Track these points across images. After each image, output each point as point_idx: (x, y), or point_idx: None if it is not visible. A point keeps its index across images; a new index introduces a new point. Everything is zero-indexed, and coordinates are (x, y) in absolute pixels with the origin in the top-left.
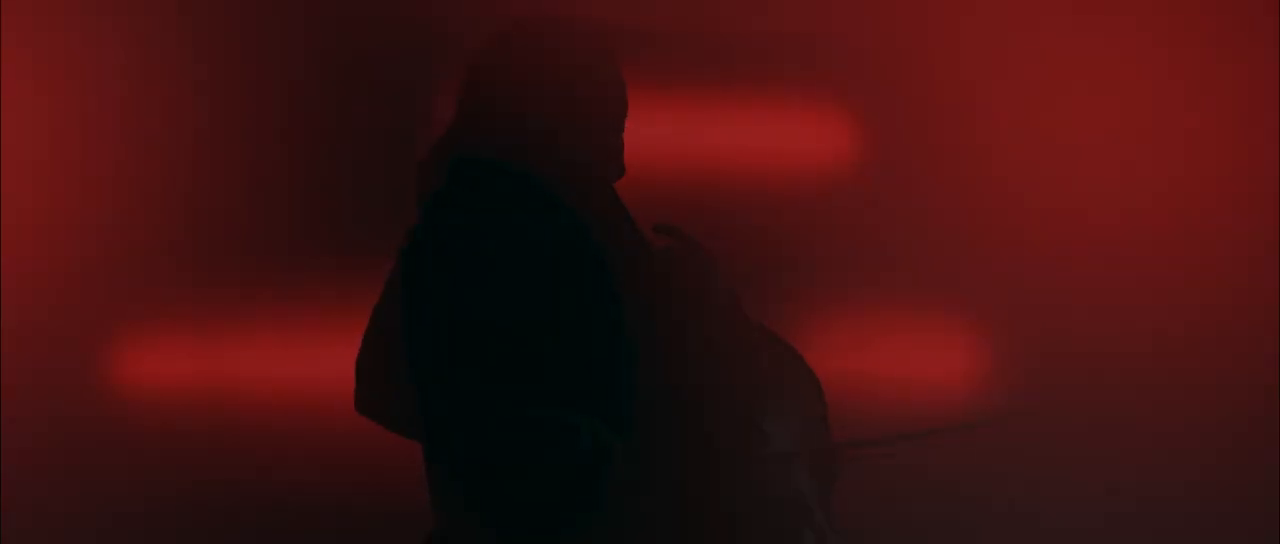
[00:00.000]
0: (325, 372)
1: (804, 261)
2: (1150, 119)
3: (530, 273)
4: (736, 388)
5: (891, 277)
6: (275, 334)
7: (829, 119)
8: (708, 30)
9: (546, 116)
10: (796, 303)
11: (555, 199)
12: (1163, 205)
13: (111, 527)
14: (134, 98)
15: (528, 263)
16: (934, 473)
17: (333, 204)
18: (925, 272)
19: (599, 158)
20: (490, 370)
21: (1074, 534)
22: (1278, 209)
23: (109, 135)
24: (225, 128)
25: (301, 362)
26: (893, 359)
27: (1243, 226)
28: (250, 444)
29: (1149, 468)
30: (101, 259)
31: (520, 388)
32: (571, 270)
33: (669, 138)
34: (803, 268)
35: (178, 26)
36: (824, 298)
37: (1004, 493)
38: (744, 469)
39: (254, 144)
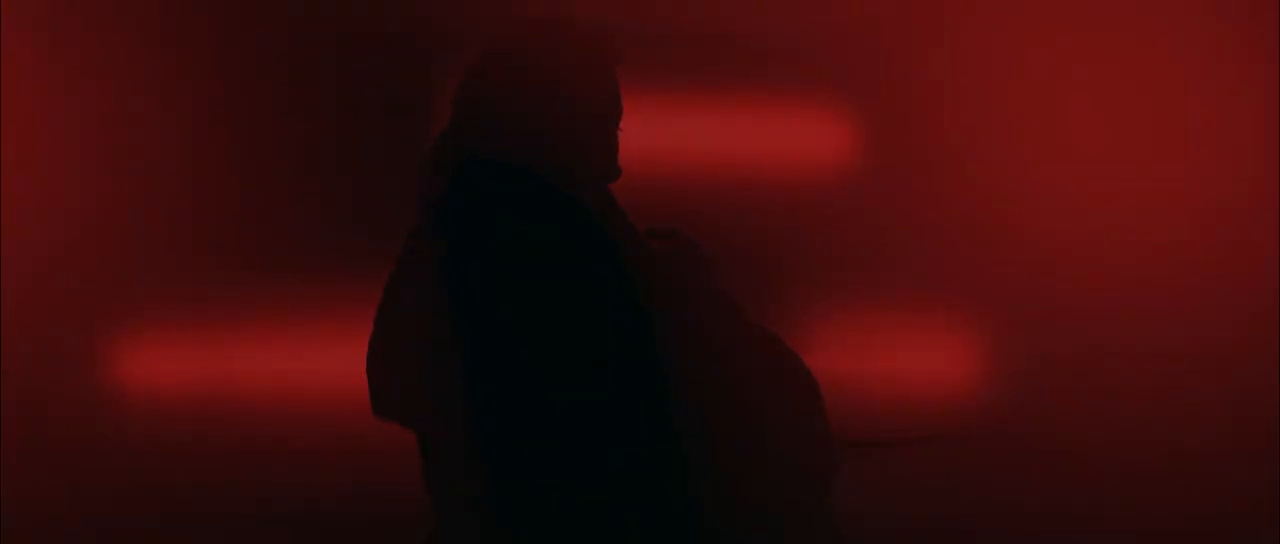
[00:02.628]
0: (325, 371)
1: (804, 261)
2: (1150, 119)
3: (560, 267)
4: (733, 387)
5: (891, 277)
6: (275, 334)
7: (829, 119)
8: (707, 30)
9: (541, 117)
10: (796, 303)
11: (567, 198)
12: (1163, 205)
13: (111, 527)
14: (134, 98)
15: (555, 258)
16: (932, 472)
17: (333, 204)
18: (925, 271)
19: (594, 157)
20: (546, 362)
21: (1074, 536)
22: (1278, 209)
23: (109, 136)
24: (226, 129)
25: (301, 361)
26: (893, 359)
27: (1243, 227)
28: (250, 444)
29: (1149, 468)
30: (102, 259)
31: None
32: (590, 266)
33: (669, 138)
34: (803, 268)
35: (178, 29)
36: (824, 298)
37: (1003, 494)
38: (741, 467)
39: (255, 145)
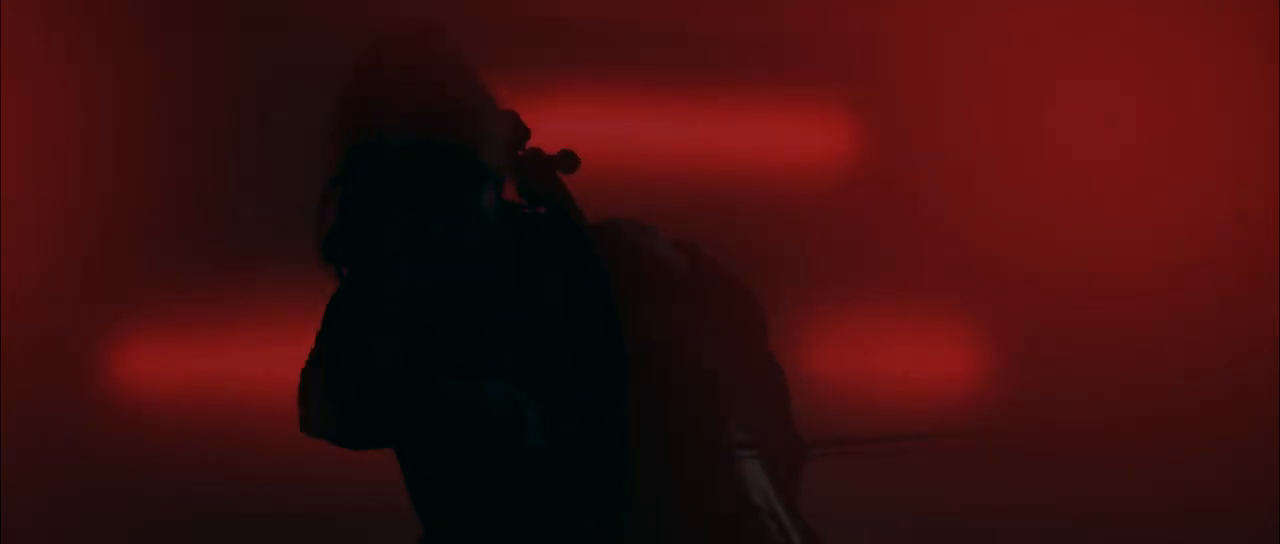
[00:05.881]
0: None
1: (804, 261)
2: (1151, 120)
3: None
4: (696, 376)
5: (891, 277)
6: (274, 334)
7: (829, 119)
8: (707, 30)
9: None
10: (796, 303)
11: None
12: (1163, 205)
13: (111, 527)
14: (133, 99)
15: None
16: (928, 473)
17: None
18: (925, 272)
19: (492, 146)
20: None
21: (1073, 536)
22: (1278, 211)
23: (108, 136)
24: (225, 128)
25: (301, 362)
26: (893, 359)
27: (1243, 227)
28: (249, 444)
29: (1148, 468)
30: (101, 259)
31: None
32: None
33: (668, 138)
34: (803, 268)
35: (177, 29)
36: (824, 298)
37: (1000, 494)
38: (703, 462)
39: (254, 145)
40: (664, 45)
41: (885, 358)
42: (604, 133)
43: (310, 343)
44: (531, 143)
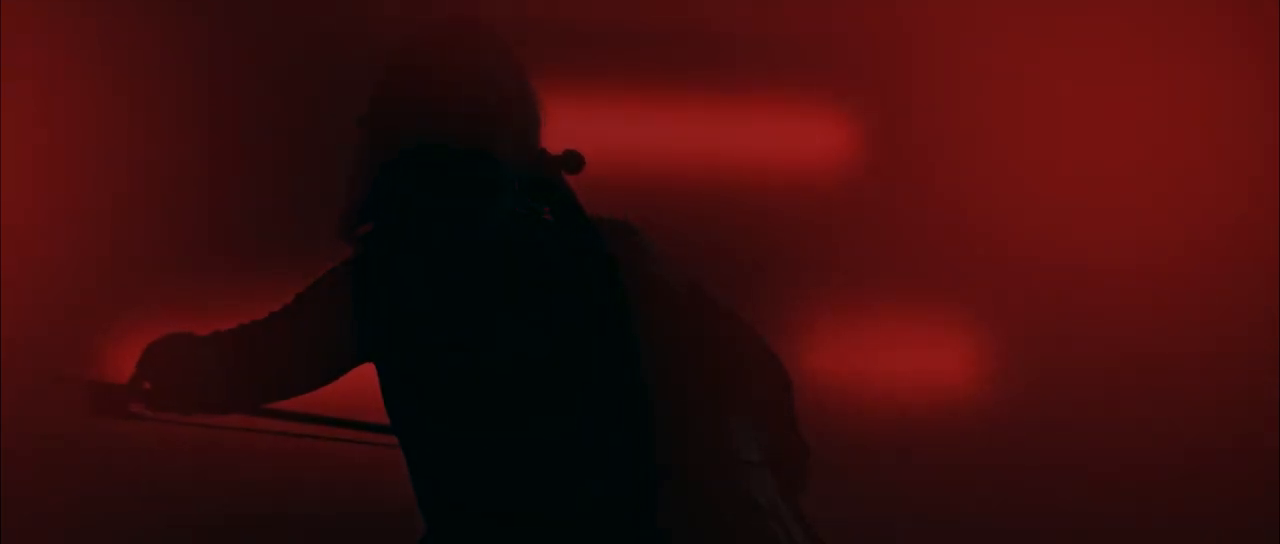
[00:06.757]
0: None
1: (804, 261)
2: (1151, 120)
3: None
4: (699, 385)
5: (891, 277)
6: None
7: (829, 119)
8: (707, 30)
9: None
10: (797, 303)
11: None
12: (1162, 205)
13: (111, 527)
14: (134, 99)
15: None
16: (930, 475)
17: (333, 204)
18: (925, 272)
19: (519, 146)
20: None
21: (1072, 536)
22: (1278, 211)
23: (109, 137)
24: (225, 129)
25: None
26: (893, 359)
27: (1243, 227)
28: (250, 444)
29: (1148, 469)
30: (101, 259)
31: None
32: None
33: (669, 138)
34: (803, 268)
35: (178, 29)
36: (824, 298)
37: (1001, 495)
38: (705, 464)
39: (254, 145)
40: (664, 45)
41: (885, 358)
42: (604, 133)
43: None
44: None
